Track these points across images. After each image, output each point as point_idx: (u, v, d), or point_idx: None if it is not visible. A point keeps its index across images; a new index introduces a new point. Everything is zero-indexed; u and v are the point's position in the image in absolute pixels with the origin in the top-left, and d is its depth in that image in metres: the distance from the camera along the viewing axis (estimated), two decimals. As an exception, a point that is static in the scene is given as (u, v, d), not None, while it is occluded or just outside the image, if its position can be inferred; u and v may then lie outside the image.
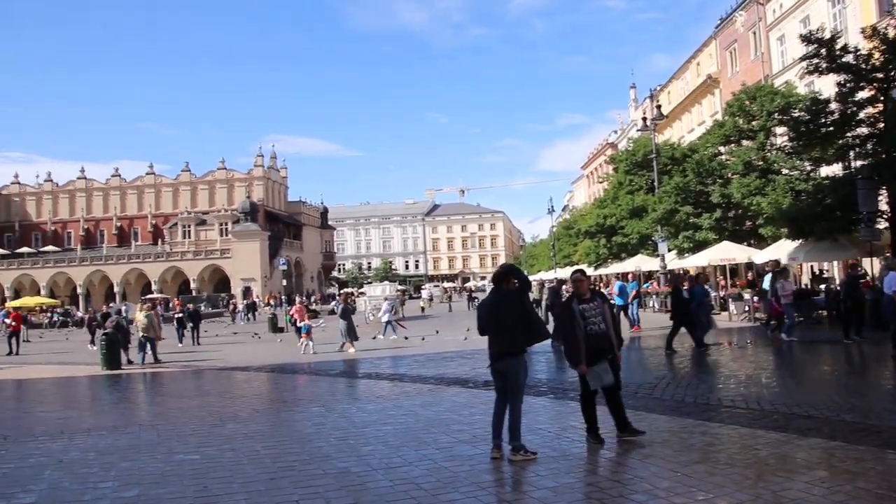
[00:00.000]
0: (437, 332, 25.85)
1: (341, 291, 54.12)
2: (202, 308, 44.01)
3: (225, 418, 10.85)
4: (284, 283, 59.41)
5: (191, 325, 28.91)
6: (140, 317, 21.93)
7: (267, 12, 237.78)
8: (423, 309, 49.42)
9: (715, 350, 16.87)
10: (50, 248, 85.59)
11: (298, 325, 23.56)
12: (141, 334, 21.28)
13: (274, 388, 15.41)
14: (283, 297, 66.57)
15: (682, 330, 17.35)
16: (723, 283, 32.02)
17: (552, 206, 70.10)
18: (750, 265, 33.06)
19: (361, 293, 67.69)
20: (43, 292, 77.56)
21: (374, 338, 26.14)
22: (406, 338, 25.14)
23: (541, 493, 6.26)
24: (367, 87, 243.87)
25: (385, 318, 27.75)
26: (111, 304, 41.43)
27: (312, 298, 72.57)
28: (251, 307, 54.09)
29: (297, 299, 39.32)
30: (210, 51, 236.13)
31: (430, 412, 10.61)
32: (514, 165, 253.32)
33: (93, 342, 28.07)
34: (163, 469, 7.73)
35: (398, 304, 44.22)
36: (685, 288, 18.25)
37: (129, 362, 20.91)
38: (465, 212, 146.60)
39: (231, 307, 53.52)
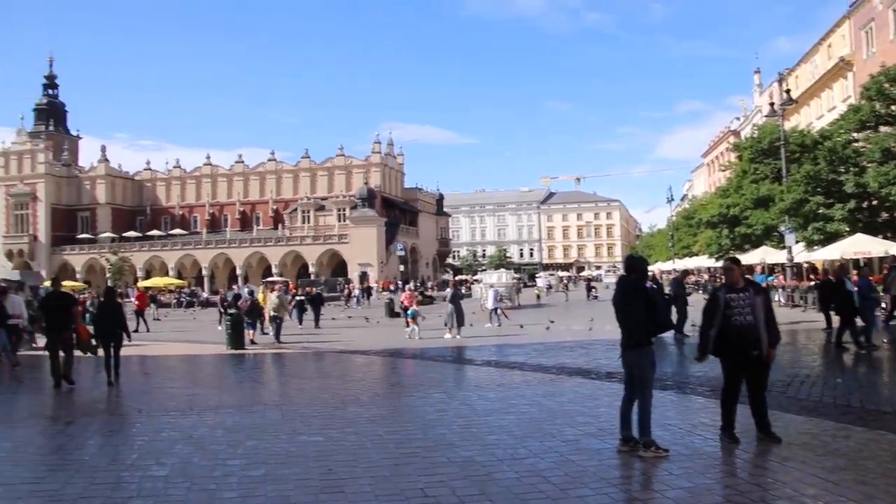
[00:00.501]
0: (552, 322, 25.29)
1: (454, 277, 54.31)
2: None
3: (346, 401, 10.90)
4: (402, 268, 59.81)
5: (312, 308, 29.31)
6: (272, 297, 23.07)
7: (383, 1, 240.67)
8: (538, 297, 48.90)
9: (857, 348, 15.76)
10: (178, 231, 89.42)
11: (407, 310, 23.83)
12: (272, 313, 22.44)
13: (391, 372, 15.45)
14: (399, 282, 67.36)
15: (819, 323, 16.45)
16: (856, 278, 30.26)
17: (671, 195, 68.03)
18: (884, 259, 31.16)
19: (476, 280, 67.92)
20: (171, 273, 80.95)
21: (488, 326, 26.01)
22: (521, 326, 24.78)
23: (675, 494, 5.94)
24: (483, 74, 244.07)
25: (490, 306, 27.58)
26: (234, 286, 42.74)
27: (429, 284, 73.22)
28: (366, 292, 54.89)
29: (409, 285, 39.63)
30: (327, 40, 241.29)
31: (553, 403, 10.35)
32: (631, 153, 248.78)
33: (221, 322, 28.77)
34: (287, 449, 7.78)
35: (514, 292, 43.98)
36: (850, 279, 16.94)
37: (252, 343, 21.37)
38: (580, 200, 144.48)
39: (346, 292, 54.40)
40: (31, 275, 26.01)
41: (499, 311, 27.51)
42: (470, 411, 9.89)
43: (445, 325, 22.73)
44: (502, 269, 55.63)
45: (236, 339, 19.97)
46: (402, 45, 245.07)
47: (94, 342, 14.07)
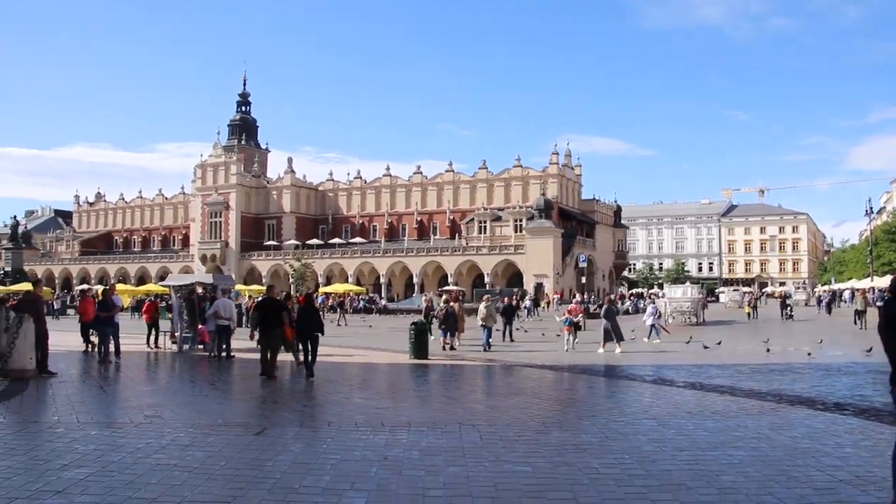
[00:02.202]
0: (720, 343, 23.74)
1: (606, 294, 52.28)
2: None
3: (548, 424, 9.93)
4: (584, 279, 58.43)
5: (504, 320, 27.63)
6: (481, 307, 23.95)
7: (558, 13, 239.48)
8: (749, 315, 45.44)
9: None
10: (358, 239, 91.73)
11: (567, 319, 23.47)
12: (480, 322, 23.29)
13: (587, 391, 14.33)
14: (575, 293, 65.87)
15: None
16: None
17: (870, 208, 62.79)
18: None
19: (653, 294, 65.44)
20: (350, 280, 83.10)
21: (646, 341, 25.38)
22: (705, 347, 23.24)
23: None
24: (661, 84, 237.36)
25: (649, 322, 27.04)
26: (426, 294, 42.78)
27: (613, 297, 70.95)
28: (535, 303, 53.72)
29: (576, 297, 38.47)
30: (505, 53, 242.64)
31: (784, 438, 8.95)
32: (818, 164, 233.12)
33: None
34: (494, 480, 6.88)
35: (699, 308, 41.74)
36: None
37: (451, 348, 22.37)
38: (764, 213, 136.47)
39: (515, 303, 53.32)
40: (223, 278, 26.80)
41: (656, 326, 26.82)
42: (690, 443, 8.67)
43: (603, 339, 22.42)
44: (688, 283, 52.98)
45: (420, 348, 19.53)
46: (579, 56, 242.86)
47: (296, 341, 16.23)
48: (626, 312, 56.34)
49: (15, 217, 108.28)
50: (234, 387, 14.65)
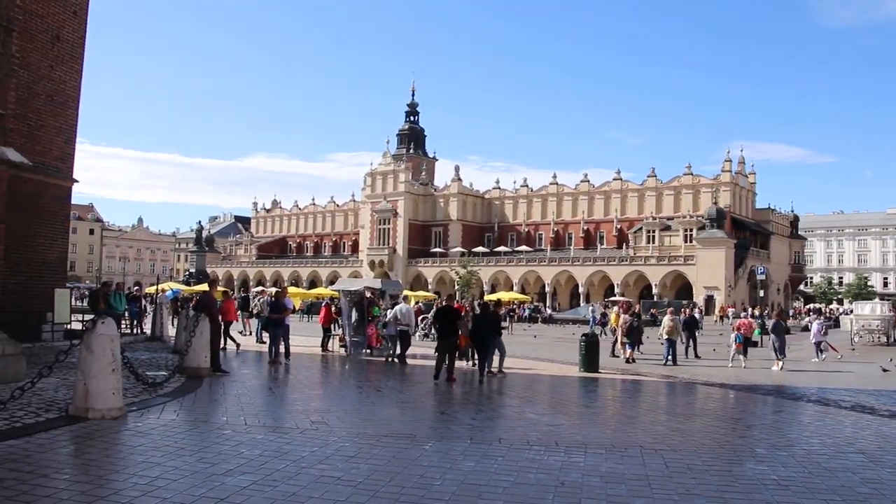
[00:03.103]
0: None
1: (777, 308, 48.82)
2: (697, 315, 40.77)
3: (740, 452, 8.92)
4: (761, 292, 55.30)
5: (686, 333, 25.84)
6: (666, 320, 23.55)
7: (728, 15, 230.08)
8: None
9: None
10: (523, 247, 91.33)
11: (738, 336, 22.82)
12: (665, 336, 23.00)
13: (772, 414, 13.02)
14: (747, 307, 62.48)
15: None
16: None
17: None
18: None
19: (836, 311, 61.20)
20: (515, 288, 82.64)
21: (815, 360, 24.53)
22: (884, 370, 21.51)
23: None
24: (842, 86, 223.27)
25: (814, 340, 26.14)
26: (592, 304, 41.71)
27: (782, 311, 67.05)
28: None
29: (745, 312, 36.27)
30: (669, 58, 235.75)
31: None
32: None
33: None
34: (690, 517, 6.09)
35: (890, 326, 38.32)
36: None
37: (632, 361, 22.35)
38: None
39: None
40: (392, 283, 26.91)
41: (822, 344, 25.86)
42: (911, 485, 7.47)
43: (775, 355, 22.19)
44: (877, 300, 49.03)
45: (591, 361, 18.68)
46: (753, 59, 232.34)
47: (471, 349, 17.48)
48: (806, 329, 52.95)
49: (200, 222, 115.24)
50: (402, 395, 14.32)
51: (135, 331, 26.85)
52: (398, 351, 20.25)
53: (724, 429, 10.87)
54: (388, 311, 21.64)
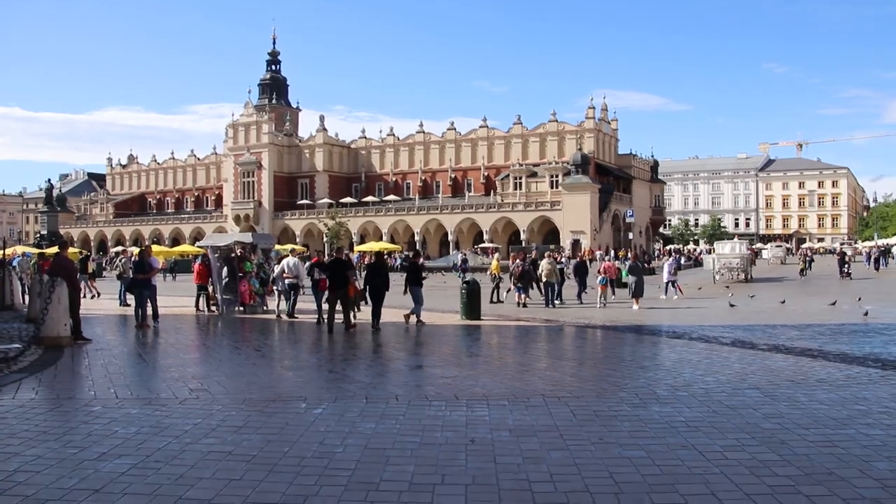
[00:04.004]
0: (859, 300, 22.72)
1: (635, 250, 50.62)
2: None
3: (643, 396, 8.79)
4: (630, 235, 56.89)
5: (577, 278, 26.18)
6: (544, 262, 24.02)
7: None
8: (802, 272, 43.76)
9: None
10: (392, 197, 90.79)
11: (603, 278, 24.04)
12: (543, 279, 23.40)
13: (667, 355, 12.89)
14: (611, 250, 64.41)
15: None
16: None
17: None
18: None
19: (696, 251, 63.92)
20: (384, 238, 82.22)
21: (663, 298, 25.95)
22: (732, 305, 22.94)
23: None
24: (694, 38, 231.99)
25: (665, 279, 27.09)
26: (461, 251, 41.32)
27: (638, 253, 69.46)
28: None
29: (608, 255, 37.37)
30: (530, 8, 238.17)
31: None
32: (857, 118, 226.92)
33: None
34: (607, 469, 5.79)
35: (748, 264, 40.28)
36: None
37: (524, 306, 22.77)
38: (803, 167, 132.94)
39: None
40: (264, 237, 25.84)
41: (673, 283, 26.78)
42: (811, 419, 7.46)
43: (631, 296, 23.14)
44: (736, 239, 51.32)
45: (472, 309, 18.48)
46: (611, 9, 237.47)
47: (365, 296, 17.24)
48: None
49: (49, 181, 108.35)
50: (283, 354, 13.63)
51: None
52: (287, 307, 19.78)
53: (619, 372, 10.76)
54: (276, 265, 20.88)
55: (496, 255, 31.60)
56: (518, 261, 24.34)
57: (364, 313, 17.48)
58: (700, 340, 14.44)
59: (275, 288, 20.69)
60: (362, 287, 17.67)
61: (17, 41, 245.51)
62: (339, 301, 16.39)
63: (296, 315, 19.43)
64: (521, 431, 7.04)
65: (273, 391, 9.22)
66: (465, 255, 56.18)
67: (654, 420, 7.53)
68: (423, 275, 19.70)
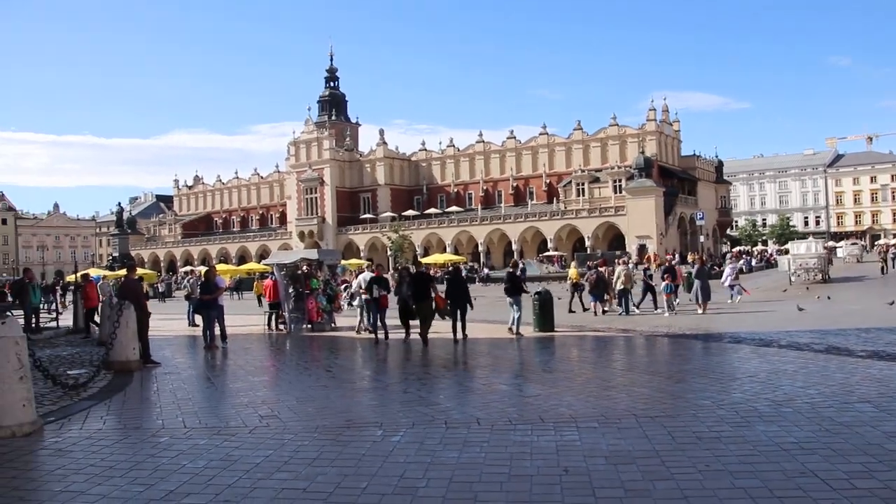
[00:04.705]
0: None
1: (698, 253, 49.10)
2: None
3: (743, 413, 8.06)
4: (703, 238, 55.41)
5: (699, 282, 23.74)
6: (618, 270, 23.85)
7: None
8: (882, 270, 41.87)
9: None
10: (454, 208, 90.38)
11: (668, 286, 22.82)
12: (619, 286, 22.97)
13: (750, 363, 12.11)
14: (677, 255, 62.87)
15: None
16: None
17: None
18: None
19: (768, 253, 61.84)
20: (448, 250, 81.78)
21: (729, 303, 25.42)
22: (800, 308, 21.67)
23: None
24: (757, 34, 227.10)
25: (726, 283, 26.69)
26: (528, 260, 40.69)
27: (704, 257, 67.65)
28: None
29: (674, 260, 36.30)
30: (589, 14, 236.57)
31: None
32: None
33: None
34: (724, 502, 5.16)
35: (825, 264, 38.77)
36: None
37: (602, 313, 22.75)
38: (874, 161, 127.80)
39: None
40: (329, 253, 25.62)
41: (737, 286, 26.43)
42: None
43: (691, 300, 23.13)
44: (811, 238, 49.52)
45: (545, 320, 17.84)
46: (664, 10, 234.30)
47: (447, 308, 17.00)
48: (741, 272, 53.41)
49: (119, 204, 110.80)
50: (353, 373, 13.19)
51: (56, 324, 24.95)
52: (366, 323, 19.03)
53: (711, 385, 10.01)
54: (354, 281, 21.02)
55: (574, 263, 30.76)
56: (593, 269, 23.83)
57: (440, 326, 17.08)
58: (791, 348, 13.63)
59: (353, 304, 20.52)
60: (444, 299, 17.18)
61: (89, 73, 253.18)
62: (419, 314, 16.52)
63: (377, 330, 17.72)
64: (618, 458, 6.42)
65: (346, 417, 8.74)
66: (521, 263, 55.10)
67: (763, 442, 6.84)
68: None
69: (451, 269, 21.32)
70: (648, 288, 24.21)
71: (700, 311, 21.98)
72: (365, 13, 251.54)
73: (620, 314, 22.64)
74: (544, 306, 17.93)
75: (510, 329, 17.59)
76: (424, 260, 66.60)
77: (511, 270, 19.47)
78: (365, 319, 19.21)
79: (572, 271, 26.43)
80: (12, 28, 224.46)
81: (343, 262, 38.24)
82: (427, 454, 6.76)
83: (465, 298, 17.13)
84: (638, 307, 23.71)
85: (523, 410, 8.70)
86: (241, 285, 52.24)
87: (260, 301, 37.61)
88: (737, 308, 23.91)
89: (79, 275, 25.20)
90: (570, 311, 23.72)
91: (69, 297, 35.64)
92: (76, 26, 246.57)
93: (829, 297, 25.64)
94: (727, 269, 28.04)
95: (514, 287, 18.15)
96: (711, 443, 6.88)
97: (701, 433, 7.25)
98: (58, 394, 10.27)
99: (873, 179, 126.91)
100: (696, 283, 22.77)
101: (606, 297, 23.64)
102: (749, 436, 7.10)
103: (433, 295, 16.76)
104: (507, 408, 8.93)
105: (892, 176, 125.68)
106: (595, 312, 22.87)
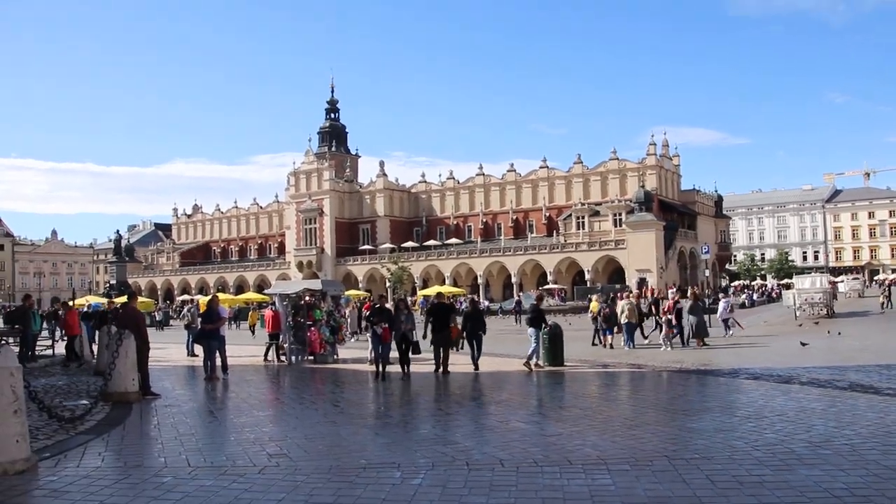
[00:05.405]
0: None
1: (692, 288, 48.74)
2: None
3: (780, 454, 7.57)
4: (707, 272, 55.05)
5: (694, 317, 23.00)
6: (622, 303, 23.53)
7: (643, 5, 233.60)
8: (882, 306, 41.62)
9: None
10: (453, 240, 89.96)
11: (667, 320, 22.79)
12: (623, 320, 22.67)
13: (775, 400, 11.61)
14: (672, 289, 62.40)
15: None
16: None
17: None
18: None
19: (770, 287, 61.56)
20: (447, 282, 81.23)
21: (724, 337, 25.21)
22: (803, 344, 20.96)
23: None
24: (752, 72, 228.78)
25: (721, 318, 26.79)
26: (526, 293, 40.41)
27: (698, 291, 67.30)
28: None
29: (672, 292, 35.85)
30: (590, 48, 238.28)
31: None
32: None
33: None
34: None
35: (830, 298, 38.40)
36: None
37: (610, 347, 22.65)
38: (872, 196, 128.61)
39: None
40: (332, 283, 25.19)
41: (730, 320, 26.62)
42: None
43: (689, 337, 22.84)
44: (815, 273, 49.21)
45: (555, 354, 17.37)
46: (666, 48, 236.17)
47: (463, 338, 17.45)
48: (743, 306, 53.06)
49: (118, 232, 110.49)
50: (363, 408, 12.67)
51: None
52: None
53: (741, 425, 9.51)
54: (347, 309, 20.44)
55: (595, 297, 29.71)
56: (605, 302, 24.12)
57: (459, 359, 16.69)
58: (812, 385, 13.18)
59: (367, 335, 20.25)
60: (461, 331, 17.58)
61: (89, 101, 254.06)
62: (440, 344, 16.58)
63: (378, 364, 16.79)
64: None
65: (361, 456, 8.22)
66: (521, 297, 54.66)
67: (810, 488, 6.36)
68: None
69: (469, 301, 21.76)
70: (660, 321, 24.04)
71: (696, 345, 22.11)
72: (366, 46, 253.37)
73: (624, 347, 22.53)
74: (554, 340, 17.47)
75: (526, 363, 17.21)
76: (424, 292, 66.17)
77: (535, 303, 19.20)
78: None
79: (594, 304, 25.95)
80: (13, 53, 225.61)
81: (354, 292, 37.71)
82: (452, 499, 6.27)
83: (483, 330, 17.69)
84: (646, 337, 24.00)
85: (547, 451, 8.20)
86: (239, 315, 51.70)
87: (253, 331, 37.19)
88: (738, 342, 23.72)
89: (77, 301, 24.74)
90: (594, 343, 23.75)
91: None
92: (77, 55, 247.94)
93: (839, 333, 25.18)
94: (721, 304, 28.22)
95: (538, 319, 17.97)
96: (754, 488, 6.40)
97: (741, 477, 6.78)
98: (53, 427, 9.76)
99: (871, 215, 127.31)
100: (692, 318, 22.59)
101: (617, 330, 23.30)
102: (793, 480, 6.63)
103: (450, 325, 17.01)
104: (529, 447, 8.42)
105: (891, 212, 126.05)
106: (605, 345, 22.98)
